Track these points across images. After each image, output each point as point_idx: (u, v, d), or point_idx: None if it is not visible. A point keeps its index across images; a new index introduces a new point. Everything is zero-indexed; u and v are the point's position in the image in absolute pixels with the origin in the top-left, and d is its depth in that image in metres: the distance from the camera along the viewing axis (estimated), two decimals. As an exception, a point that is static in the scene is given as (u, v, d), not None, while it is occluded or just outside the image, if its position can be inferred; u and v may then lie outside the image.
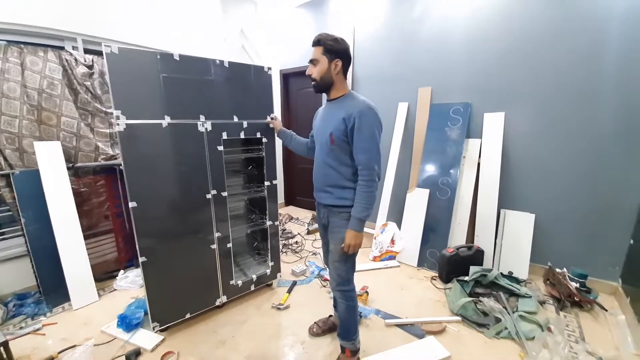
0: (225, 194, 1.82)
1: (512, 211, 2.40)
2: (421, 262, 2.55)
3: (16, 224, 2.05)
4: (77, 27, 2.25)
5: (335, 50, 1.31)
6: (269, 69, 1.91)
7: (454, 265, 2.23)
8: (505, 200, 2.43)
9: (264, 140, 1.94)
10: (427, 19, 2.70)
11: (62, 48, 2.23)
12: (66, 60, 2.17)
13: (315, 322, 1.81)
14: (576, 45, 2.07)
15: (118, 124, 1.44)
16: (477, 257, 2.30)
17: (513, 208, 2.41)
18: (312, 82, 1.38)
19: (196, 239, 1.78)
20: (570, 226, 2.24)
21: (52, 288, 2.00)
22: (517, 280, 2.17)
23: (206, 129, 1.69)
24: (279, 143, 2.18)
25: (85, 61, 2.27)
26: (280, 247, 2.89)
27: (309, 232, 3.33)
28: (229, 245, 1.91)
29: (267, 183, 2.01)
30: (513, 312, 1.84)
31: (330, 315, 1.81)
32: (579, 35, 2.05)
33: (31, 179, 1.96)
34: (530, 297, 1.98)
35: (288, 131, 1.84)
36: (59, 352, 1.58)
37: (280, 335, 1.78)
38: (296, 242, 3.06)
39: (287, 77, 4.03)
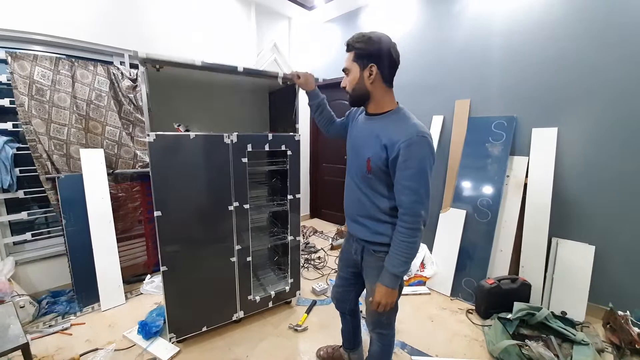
0: (247, 206, 1.79)
1: (566, 241, 2.08)
2: (455, 292, 2.30)
3: (58, 224, 2.20)
4: (125, 43, 2.43)
5: (367, 53, 1.04)
6: (296, 81, 1.87)
7: (495, 299, 1.97)
8: (558, 228, 2.12)
9: (289, 152, 1.89)
10: (463, 25, 2.53)
11: (111, 63, 2.42)
12: (113, 74, 2.34)
13: (327, 346, 1.69)
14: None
15: (149, 135, 1.47)
16: (522, 291, 2.01)
17: (568, 237, 2.09)
18: (347, 95, 1.15)
19: (216, 251, 1.75)
20: (636, 262, 1.89)
21: (84, 288, 2.09)
22: (572, 323, 1.85)
23: (232, 140, 1.68)
24: (304, 156, 2.12)
25: (130, 75, 2.44)
26: (302, 262, 2.82)
27: (332, 248, 3.21)
28: (249, 258, 1.86)
29: (289, 197, 1.95)
30: (567, 363, 1.55)
31: (340, 346, 1.64)
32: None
33: (74, 183, 2.10)
34: (588, 344, 1.67)
35: (322, 95, 1.47)
36: (81, 355, 1.61)
37: (295, 360, 1.68)
38: (319, 258, 2.95)
39: (318, 89, 4.03)
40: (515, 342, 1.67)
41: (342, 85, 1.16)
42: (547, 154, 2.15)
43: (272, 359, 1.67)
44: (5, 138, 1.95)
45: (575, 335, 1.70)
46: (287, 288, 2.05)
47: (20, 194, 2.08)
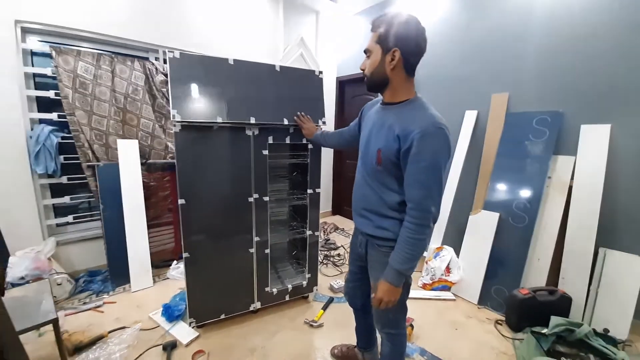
0: (266, 198, 1.80)
1: (616, 252, 1.86)
2: (483, 300, 2.14)
3: (96, 209, 2.37)
4: (160, 39, 2.54)
5: (392, 36, 0.96)
6: (320, 72, 1.84)
7: (528, 311, 1.81)
8: (607, 237, 1.89)
9: (310, 146, 1.86)
10: (501, 11, 2.33)
11: (147, 59, 2.54)
12: (149, 69, 2.46)
13: (342, 344, 1.66)
14: None
15: (174, 125, 1.52)
16: (561, 305, 1.83)
17: (617, 248, 1.86)
18: (364, 78, 1.09)
19: (236, 241, 1.78)
20: None
21: (117, 269, 2.23)
22: (614, 341, 1.66)
23: (253, 132, 1.69)
24: (327, 152, 2.09)
25: (163, 70, 2.55)
26: (321, 259, 2.79)
27: (353, 246, 3.14)
28: (267, 251, 1.87)
29: (309, 191, 1.93)
30: (610, 387, 1.38)
31: (355, 346, 1.60)
32: None
33: (112, 171, 2.23)
34: (628, 364, 1.48)
35: (318, 133, 1.68)
36: (110, 332, 1.72)
37: (310, 356, 1.66)
38: (338, 255, 2.91)
39: (343, 84, 3.97)
40: (550, 359, 1.52)
41: (360, 67, 1.09)
42: (597, 153, 1.92)
43: (287, 351, 1.67)
44: (50, 127, 2.12)
45: (616, 355, 1.51)
46: (305, 283, 2.04)
47: (64, 179, 2.26)
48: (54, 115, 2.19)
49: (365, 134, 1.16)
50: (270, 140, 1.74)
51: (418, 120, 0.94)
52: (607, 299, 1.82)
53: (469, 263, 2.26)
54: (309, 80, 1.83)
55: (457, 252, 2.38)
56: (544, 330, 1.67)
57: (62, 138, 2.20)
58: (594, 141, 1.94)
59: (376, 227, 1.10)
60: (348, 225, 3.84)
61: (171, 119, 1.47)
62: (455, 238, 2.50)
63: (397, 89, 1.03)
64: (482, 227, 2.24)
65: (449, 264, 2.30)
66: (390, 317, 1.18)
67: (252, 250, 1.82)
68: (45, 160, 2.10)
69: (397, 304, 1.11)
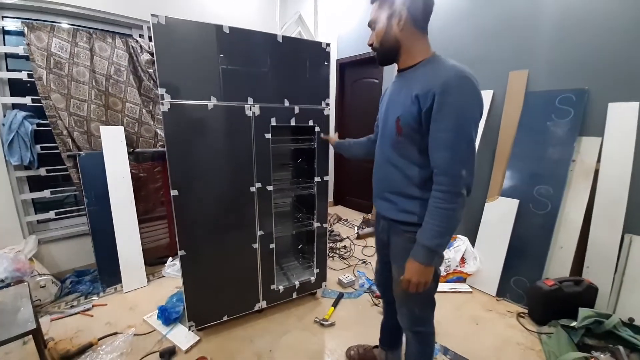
0: (270, 188, 1.62)
1: (642, 238, 1.74)
2: (502, 292, 2.02)
3: (81, 204, 2.16)
4: (144, 14, 2.28)
5: None
6: (328, 45, 1.63)
7: (554, 303, 1.69)
8: (634, 223, 1.77)
9: (317, 129, 1.68)
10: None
11: (130, 35, 2.29)
12: (132, 47, 2.21)
13: (358, 345, 1.52)
14: None
15: (163, 104, 1.32)
16: (587, 295, 1.72)
17: (644, 234, 1.75)
18: (374, 55, 1.01)
19: (237, 236, 1.61)
20: None
21: (107, 268, 2.05)
22: None
23: (254, 113, 1.49)
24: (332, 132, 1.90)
25: (149, 48, 2.30)
26: (327, 251, 2.64)
27: (359, 237, 3.01)
28: (272, 245, 1.70)
29: (317, 179, 1.75)
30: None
31: (376, 346, 1.47)
32: None
33: (95, 161, 2.02)
34: (659, 355, 1.39)
35: (345, 140, 1.54)
36: (100, 338, 1.55)
37: (322, 359, 1.52)
38: (344, 247, 2.77)
39: (344, 66, 3.75)
40: (583, 354, 1.41)
41: (368, 43, 1.01)
42: (626, 134, 1.77)
43: (296, 354, 1.53)
44: (24, 113, 1.89)
45: (644, 344, 1.42)
46: (313, 279, 1.89)
47: (42, 171, 2.04)
48: (28, 100, 1.95)
49: (383, 108, 1.08)
50: (274, 122, 1.54)
51: (438, 74, 0.84)
52: (632, 287, 1.72)
53: (486, 253, 2.13)
54: (314, 54, 1.62)
55: (472, 242, 2.25)
56: (573, 324, 1.57)
57: (39, 125, 1.97)
58: (622, 120, 1.80)
59: (400, 211, 0.99)
60: (351, 215, 3.70)
61: (159, 99, 1.28)
62: (470, 227, 2.36)
63: (411, 50, 0.94)
64: (500, 215, 2.10)
65: (463, 255, 2.17)
66: (417, 313, 1.07)
67: (256, 245, 1.65)
68: (19, 150, 1.87)
69: (424, 296, 1.00)
